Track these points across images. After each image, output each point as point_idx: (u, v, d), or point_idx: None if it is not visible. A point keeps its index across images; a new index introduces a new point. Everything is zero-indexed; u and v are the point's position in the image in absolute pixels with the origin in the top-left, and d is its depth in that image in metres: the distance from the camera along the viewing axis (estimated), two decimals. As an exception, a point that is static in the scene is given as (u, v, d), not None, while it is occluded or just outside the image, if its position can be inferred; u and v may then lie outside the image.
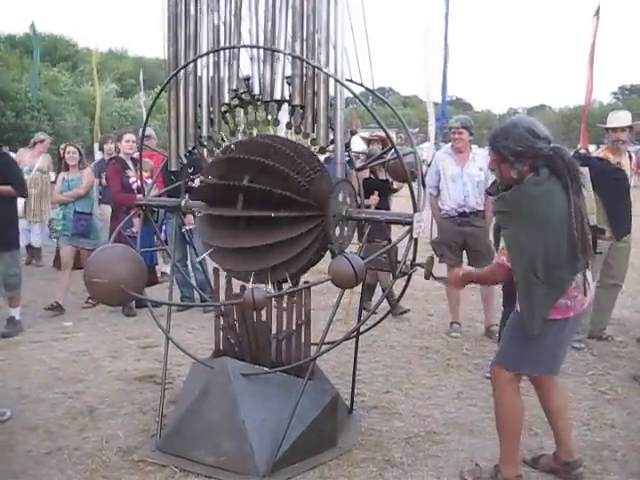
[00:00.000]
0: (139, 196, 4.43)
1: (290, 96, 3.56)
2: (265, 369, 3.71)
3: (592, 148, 11.47)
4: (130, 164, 6.93)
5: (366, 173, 6.39)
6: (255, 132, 3.80)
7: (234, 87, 3.64)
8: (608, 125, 5.56)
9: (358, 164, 4.72)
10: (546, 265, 3.04)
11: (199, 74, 3.74)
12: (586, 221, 3.11)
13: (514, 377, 3.32)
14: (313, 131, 3.56)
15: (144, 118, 4.25)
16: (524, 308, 3.15)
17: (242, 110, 3.80)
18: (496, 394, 3.38)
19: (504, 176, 3.22)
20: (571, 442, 3.49)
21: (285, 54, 3.49)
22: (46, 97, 26.49)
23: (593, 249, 3.29)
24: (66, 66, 36.23)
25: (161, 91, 3.86)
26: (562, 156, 3.10)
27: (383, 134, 5.29)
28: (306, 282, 3.76)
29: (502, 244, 3.23)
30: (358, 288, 3.89)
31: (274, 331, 3.84)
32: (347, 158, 3.98)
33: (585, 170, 3.31)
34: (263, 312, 3.71)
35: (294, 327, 3.72)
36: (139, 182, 4.69)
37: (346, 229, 3.62)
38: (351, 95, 3.62)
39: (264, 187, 3.40)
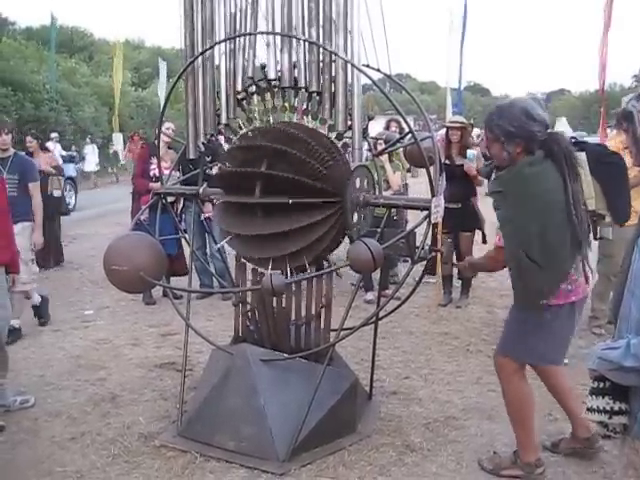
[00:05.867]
0: (157, 184, 4.45)
1: (307, 82, 3.54)
2: (284, 355, 3.72)
3: (612, 133, 11.29)
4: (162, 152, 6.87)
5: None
6: (272, 119, 3.78)
7: (250, 74, 3.63)
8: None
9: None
10: (545, 246, 2.94)
11: (216, 62, 3.74)
12: (583, 207, 3.06)
13: (519, 366, 3.29)
14: (331, 117, 3.54)
15: (161, 108, 4.22)
16: (517, 288, 3.10)
17: (259, 97, 3.79)
18: (502, 384, 3.36)
19: (496, 156, 3.15)
20: None
21: (301, 40, 3.47)
22: (64, 88, 26.56)
23: (593, 235, 3.24)
24: (82, 57, 36.28)
25: (178, 79, 3.85)
26: (558, 142, 3.03)
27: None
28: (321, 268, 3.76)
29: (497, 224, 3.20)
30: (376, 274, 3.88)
31: (293, 317, 3.85)
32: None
33: (582, 155, 3.25)
34: (282, 298, 3.72)
35: (313, 313, 3.72)
36: (157, 171, 4.71)
37: (364, 215, 3.61)
38: (369, 81, 3.60)
39: (282, 174, 3.40)
